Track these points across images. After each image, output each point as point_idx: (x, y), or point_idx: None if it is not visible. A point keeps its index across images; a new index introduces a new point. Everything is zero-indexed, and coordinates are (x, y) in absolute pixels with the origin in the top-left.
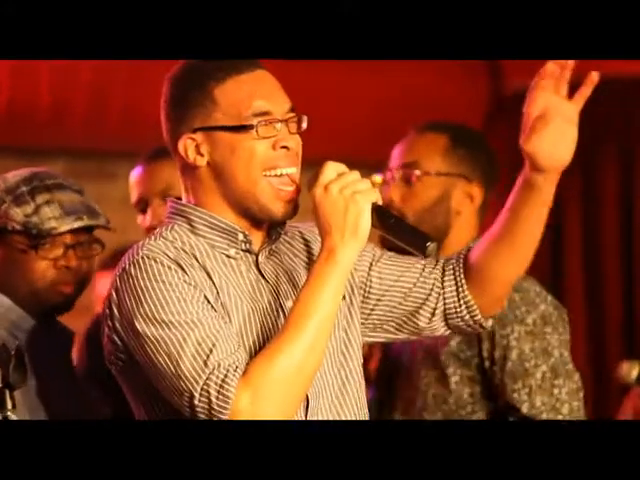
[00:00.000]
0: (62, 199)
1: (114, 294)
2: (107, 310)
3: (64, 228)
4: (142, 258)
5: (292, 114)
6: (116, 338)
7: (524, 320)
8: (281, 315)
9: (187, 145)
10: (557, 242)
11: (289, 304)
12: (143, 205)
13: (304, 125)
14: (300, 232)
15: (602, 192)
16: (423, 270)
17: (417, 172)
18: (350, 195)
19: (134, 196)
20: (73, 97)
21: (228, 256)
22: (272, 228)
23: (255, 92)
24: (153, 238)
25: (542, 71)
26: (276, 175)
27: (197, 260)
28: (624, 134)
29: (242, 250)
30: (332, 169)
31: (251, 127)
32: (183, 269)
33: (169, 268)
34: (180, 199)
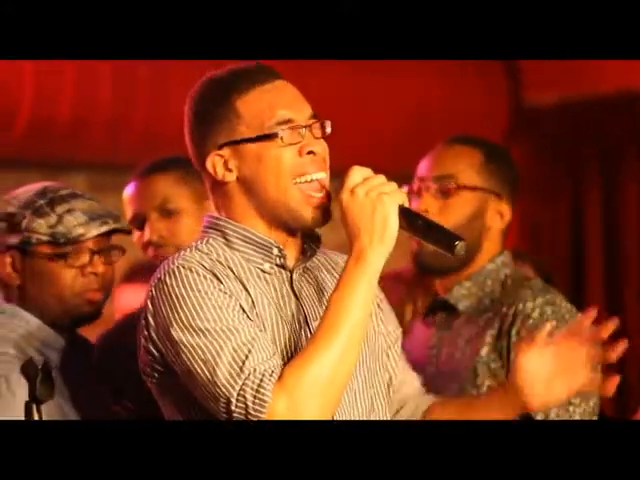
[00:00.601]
0: (82, 207)
1: (149, 304)
2: (143, 321)
3: (92, 233)
4: (177, 268)
5: (315, 120)
6: (152, 348)
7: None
8: (305, 337)
9: (215, 162)
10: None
11: (316, 324)
12: (139, 221)
13: (328, 130)
14: (334, 256)
15: (623, 196)
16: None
17: (454, 184)
18: (377, 197)
19: (129, 213)
20: (94, 111)
21: (263, 270)
22: (307, 244)
23: (277, 101)
24: (188, 250)
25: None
26: (306, 181)
27: (232, 272)
28: None
29: (276, 265)
30: (358, 173)
31: (275, 135)
32: (218, 278)
33: (204, 277)
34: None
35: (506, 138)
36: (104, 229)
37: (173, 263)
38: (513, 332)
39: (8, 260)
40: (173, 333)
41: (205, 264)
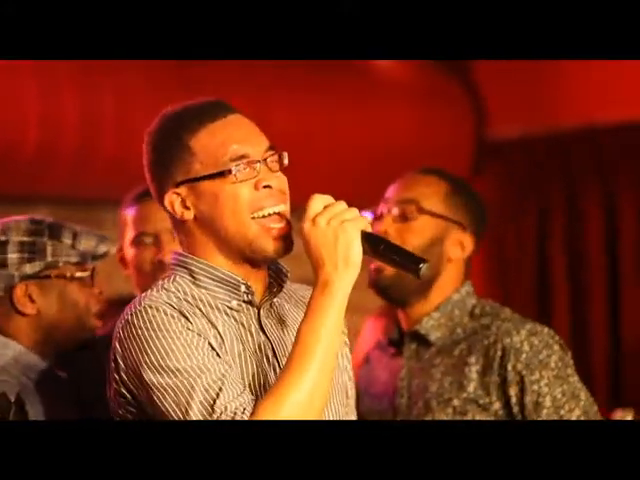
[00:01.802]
0: (80, 230)
1: (118, 346)
2: (112, 363)
3: (113, 250)
4: (144, 308)
5: (271, 152)
6: (124, 391)
7: (549, 364)
8: (274, 372)
9: (173, 200)
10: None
11: (284, 361)
12: (148, 239)
13: (285, 162)
14: (301, 290)
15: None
16: None
17: (415, 208)
18: (339, 224)
19: (130, 234)
20: (59, 143)
21: (230, 307)
22: (272, 279)
23: (230, 137)
24: (155, 290)
25: None
26: (264, 216)
27: (200, 310)
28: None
29: (244, 301)
30: (318, 201)
31: (229, 172)
32: (186, 317)
33: (172, 317)
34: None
35: (471, 169)
36: (115, 248)
37: (140, 304)
38: (509, 367)
39: (21, 290)
40: (144, 375)
41: (172, 303)
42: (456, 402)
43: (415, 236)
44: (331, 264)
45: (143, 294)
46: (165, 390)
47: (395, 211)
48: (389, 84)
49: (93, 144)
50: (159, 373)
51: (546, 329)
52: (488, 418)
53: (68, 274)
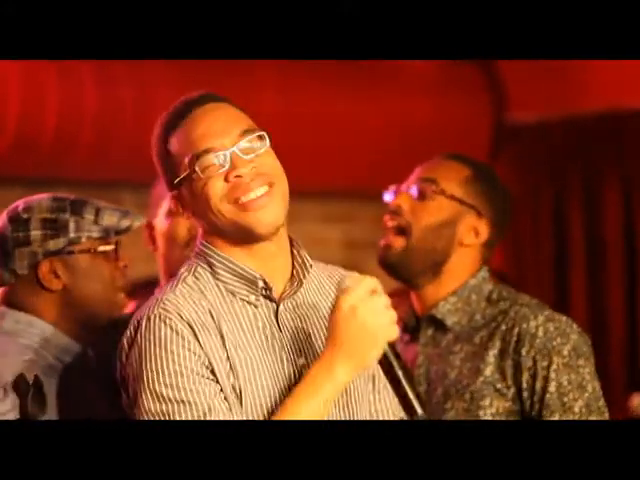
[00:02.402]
0: (103, 205)
1: (126, 344)
2: (119, 361)
3: (136, 224)
4: (155, 317)
5: (247, 135)
6: (123, 388)
7: (561, 352)
8: (292, 371)
9: (174, 202)
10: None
11: (301, 361)
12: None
13: (266, 141)
14: (328, 276)
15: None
16: None
17: (433, 188)
18: (375, 328)
19: (167, 204)
20: (78, 128)
21: (249, 302)
22: (296, 273)
23: (195, 134)
24: (173, 287)
25: None
26: (238, 205)
27: (212, 316)
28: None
29: (262, 296)
30: (367, 286)
31: (194, 171)
32: (194, 331)
33: (176, 333)
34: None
35: (489, 154)
36: (138, 222)
37: (153, 310)
38: (523, 352)
39: (46, 267)
40: (137, 386)
41: (183, 313)
42: (473, 387)
43: (428, 215)
44: (346, 356)
45: (163, 293)
46: (146, 413)
47: (413, 189)
48: (407, 70)
49: (111, 130)
50: (149, 394)
51: (564, 317)
52: (505, 404)
53: (91, 249)
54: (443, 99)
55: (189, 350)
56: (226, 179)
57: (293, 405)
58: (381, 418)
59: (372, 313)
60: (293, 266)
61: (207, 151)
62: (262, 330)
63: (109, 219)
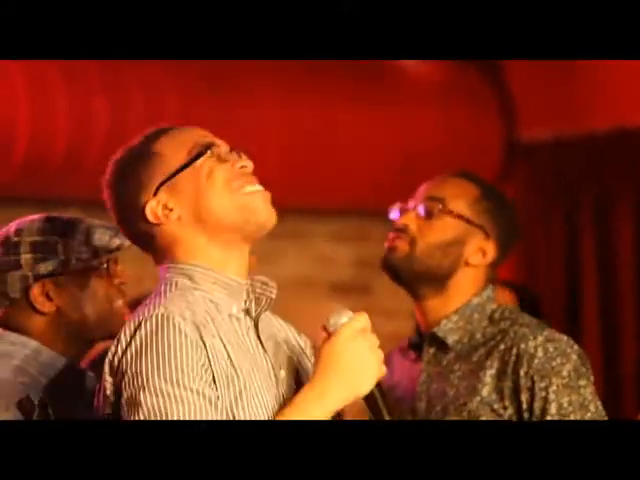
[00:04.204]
0: (96, 223)
1: (121, 346)
2: (108, 362)
3: (127, 243)
4: (158, 316)
5: (233, 152)
6: (109, 393)
7: (560, 372)
8: (277, 386)
9: (153, 208)
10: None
11: (282, 374)
12: None
13: (247, 161)
14: (275, 319)
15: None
16: None
17: (440, 207)
18: (369, 364)
19: None
20: (88, 149)
21: (231, 315)
22: (261, 292)
23: (192, 135)
24: (162, 296)
25: None
26: (244, 193)
27: (210, 320)
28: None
29: (243, 310)
30: (362, 322)
31: (204, 152)
32: (199, 331)
33: (180, 332)
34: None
35: (500, 171)
36: (129, 240)
37: (153, 309)
38: (521, 373)
39: (38, 290)
40: (133, 388)
41: (187, 314)
42: (470, 406)
43: (435, 233)
44: (340, 387)
45: (158, 298)
46: (139, 406)
47: (420, 208)
48: (417, 84)
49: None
50: (144, 388)
51: (565, 337)
52: None
53: (82, 269)
54: (452, 115)
55: (192, 349)
56: (232, 166)
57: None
58: None
59: (366, 349)
60: (254, 288)
61: (213, 143)
62: (249, 343)
63: (100, 238)
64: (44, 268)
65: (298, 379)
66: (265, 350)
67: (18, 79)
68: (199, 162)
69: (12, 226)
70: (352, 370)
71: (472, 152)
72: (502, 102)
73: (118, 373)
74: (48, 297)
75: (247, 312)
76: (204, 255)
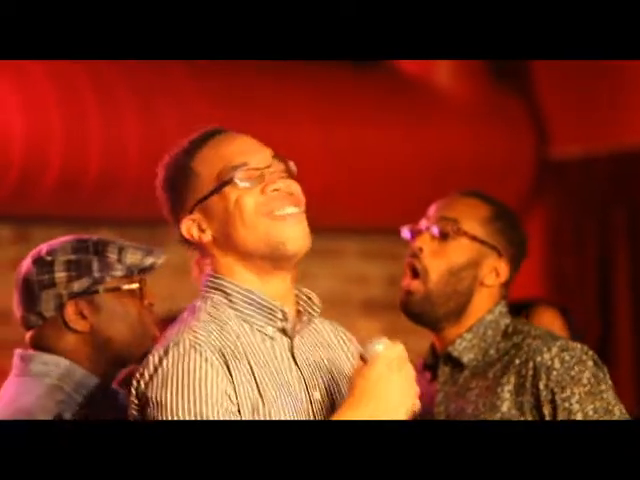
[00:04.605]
0: (126, 244)
1: (148, 370)
2: (135, 383)
3: (159, 262)
4: (185, 342)
5: (276, 160)
6: (134, 411)
7: (580, 380)
8: (309, 405)
9: (189, 227)
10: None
11: (316, 396)
12: None
13: (292, 169)
14: (329, 325)
15: None
16: None
17: (455, 228)
18: (403, 397)
19: None
20: (122, 168)
21: (266, 334)
22: (303, 309)
23: (229, 150)
24: (195, 317)
25: None
26: (273, 218)
27: (240, 345)
28: None
29: (278, 329)
30: (399, 353)
31: (231, 180)
32: (225, 360)
33: (205, 361)
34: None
35: (531, 189)
36: (161, 259)
37: (182, 333)
38: (541, 386)
39: (72, 308)
40: (152, 409)
41: (214, 340)
42: None
43: (450, 257)
44: (371, 416)
45: (190, 322)
46: None
47: (434, 229)
48: (450, 102)
49: (155, 169)
50: (164, 417)
51: (579, 345)
52: None
53: (116, 288)
54: (484, 133)
55: (217, 379)
56: (262, 191)
57: None
58: None
59: (402, 383)
60: (298, 303)
61: (244, 164)
62: (281, 363)
63: (132, 257)
64: (78, 286)
65: (334, 400)
66: (300, 370)
67: (51, 101)
68: (226, 189)
69: (44, 247)
70: (385, 401)
71: (504, 170)
72: (533, 119)
73: (143, 398)
74: (82, 315)
75: (283, 331)
76: (241, 276)
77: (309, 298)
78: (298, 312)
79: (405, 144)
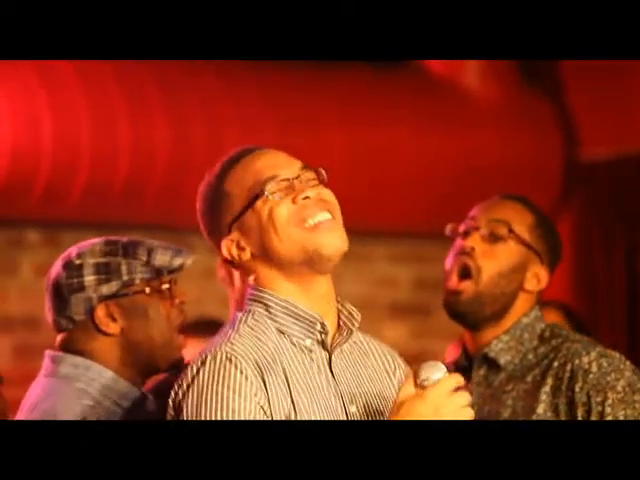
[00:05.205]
0: (155, 245)
1: (185, 382)
2: (174, 394)
3: (188, 262)
4: (222, 355)
5: (305, 171)
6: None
7: (615, 387)
8: (345, 419)
9: (229, 247)
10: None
11: (352, 409)
12: None
13: (323, 177)
14: (369, 341)
15: None
16: None
17: (505, 230)
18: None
19: None
20: (151, 172)
21: (304, 347)
22: (344, 323)
23: (257, 166)
24: (235, 329)
25: None
26: (307, 227)
27: (276, 358)
28: None
29: (317, 341)
30: (453, 383)
31: (262, 193)
32: (261, 372)
33: (241, 373)
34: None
35: (561, 192)
36: (190, 260)
37: (220, 349)
38: (576, 388)
39: (102, 311)
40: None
41: (251, 353)
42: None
43: (501, 259)
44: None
45: (223, 336)
46: None
47: (484, 230)
48: (476, 104)
49: (183, 175)
50: None
51: (617, 354)
52: None
53: (146, 290)
54: (512, 136)
55: (252, 393)
56: (293, 201)
57: None
58: None
59: (462, 408)
60: (339, 317)
61: (273, 177)
62: (317, 376)
63: (161, 258)
64: (108, 289)
65: (371, 414)
66: (337, 383)
67: (82, 109)
68: (258, 203)
69: (73, 250)
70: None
71: (532, 172)
72: (562, 121)
73: (179, 407)
74: (112, 318)
75: (323, 344)
76: (280, 287)
77: (350, 313)
78: (339, 326)
79: (432, 146)
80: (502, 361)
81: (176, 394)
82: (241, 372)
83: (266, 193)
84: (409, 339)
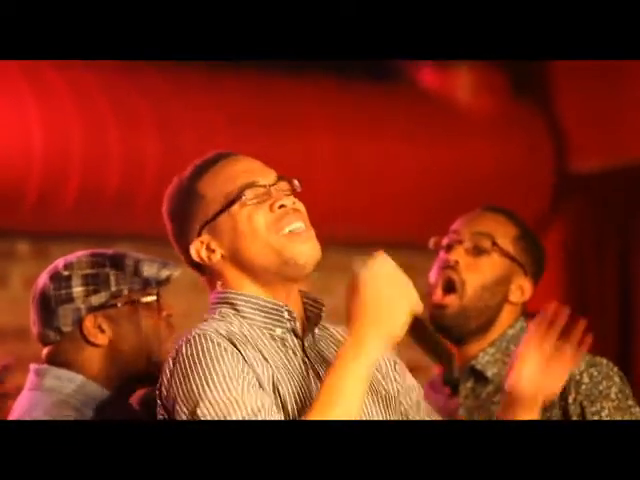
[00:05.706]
0: (141, 257)
1: (165, 375)
2: (157, 391)
3: (175, 274)
4: (194, 337)
5: (281, 180)
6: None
7: (609, 395)
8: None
9: (198, 248)
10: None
11: None
12: None
13: (297, 187)
14: (335, 330)
15: None
16: None
17: (489, 243)
18: (400, 295)
19: None
20: (140, 183)
21: (276, 337)
22: (310, 312)
23: (235, 171)
24: (205, 323)
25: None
26: (284, 235)
27: (247, 338)
28: None
29: (287, 330)
30: (387, 260)
31: (239, 198)
32: (235, 345)
33: (218, 344)
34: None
35: (552, 202)
36: (177, 272)
37: (190, 333)
38: (569, 400)
39: (91, 322)
40: (186, 406)
41: (222, 331)
42: None
43: (485, 272)
44: (375, 325)
45: (195, 327)
46: (200, 419)
47: (467, 243)
48: (468, 116)
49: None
50: (198, 402)
51: (605, 360)
52: None
53: (134, 300)
54: (504, 147)
55: (233, 358)
56: (270, 209)
57: (332, 390)
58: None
59: (395, 282)
60: (305, 308)
61: (252, 183)
62: (294, 358)
63: (149, 270)
64: (96, 300)
65: None
66: (311, 362)
67: (72, 119)
68: (235, 207)
69: (60, 262)
70: (384, 305)
71: (524, 183)
72: (553, 132)
73: (169, 399)
74: (101, 329)
75: (294, 332)
76: (248, 288)
77: (315, 300)
78: (308, 318)
79: (424, 158)
80: (489, 373)
81: (161, 386)
82: (218, 344)
83: (244, 198)
84: (400, 349)
